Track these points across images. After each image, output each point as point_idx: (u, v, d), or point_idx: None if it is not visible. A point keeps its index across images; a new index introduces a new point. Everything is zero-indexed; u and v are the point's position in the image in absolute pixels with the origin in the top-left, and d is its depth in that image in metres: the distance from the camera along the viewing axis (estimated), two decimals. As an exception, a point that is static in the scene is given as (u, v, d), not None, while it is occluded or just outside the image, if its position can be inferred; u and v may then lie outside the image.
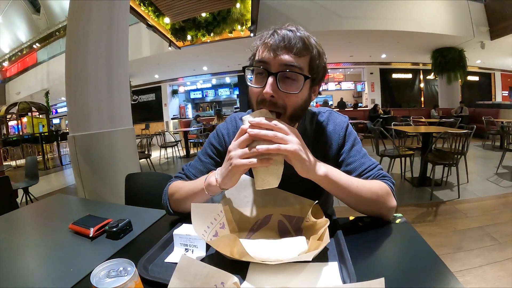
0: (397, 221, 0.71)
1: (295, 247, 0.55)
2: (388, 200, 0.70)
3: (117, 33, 2.50)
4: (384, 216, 0.72)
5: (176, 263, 0.57)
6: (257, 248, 0.56)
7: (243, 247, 0.50)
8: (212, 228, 0.59)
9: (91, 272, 0.61)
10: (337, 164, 0.82)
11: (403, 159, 3.78)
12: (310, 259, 0.49)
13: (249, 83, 0.71)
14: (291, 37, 0.64)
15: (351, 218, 0.75)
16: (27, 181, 3.39)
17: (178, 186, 0.81)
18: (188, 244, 0.61)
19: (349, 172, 0.77)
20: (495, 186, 3.41)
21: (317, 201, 0.69)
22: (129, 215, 0.87)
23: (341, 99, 12.27)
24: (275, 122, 0.60)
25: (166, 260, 0.61)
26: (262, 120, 0.59)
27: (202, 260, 0.60)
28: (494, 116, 6.91)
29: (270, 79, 0.64)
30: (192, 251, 0.61)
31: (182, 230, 0.63)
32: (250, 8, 5.83)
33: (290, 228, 0.69)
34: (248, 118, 0.61)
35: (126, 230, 0.79)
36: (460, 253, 1.97)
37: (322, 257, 0.55)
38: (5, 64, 14.06)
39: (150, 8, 5.42)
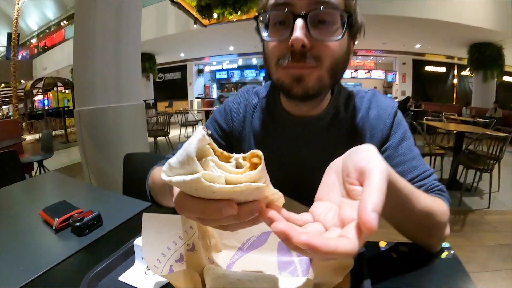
0: (444, 254, 0.51)
1: None
2: (446, 228, 0.50)
3: (128, 4, 2.35)
4: (431, 248, 0.51)
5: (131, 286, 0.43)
6: (238, 285, 0.38)
7: None
8: (176, 250, 0.40)
9: (40, 275, 0.51)
10: None
11: (433, 158, 3.52)
12: None
13: (265, 38, 0.51)
14: None
15: (382, 244, 0.54)
16: (42, 155, 3.45)
17: (154, 178, 0.62)
18: (151, 259, 0.45)
19: None
20: (528, 199, 3.11)
21: None
22: (108, 204, 0.78)
23: (408, 97, 11.79)
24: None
25: (120, 278, 0.46)
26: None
27: (166, 285, 0.44)
28: (530, 122, 6.40)
29: (299, 22, 0.45)
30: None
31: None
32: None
33: (295, 256, 0.48)
34: None
35: (93, 225, 0.65)
36: (486, 273, 1.80)
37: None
38: (33, 41, 14.50)
39: (174, -16, 5.25)
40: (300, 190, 0.49)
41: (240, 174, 0.25)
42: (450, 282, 0.45)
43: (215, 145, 0.26)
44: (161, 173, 0.23)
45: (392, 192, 0.35)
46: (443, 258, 0.50)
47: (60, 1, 13.22)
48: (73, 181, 1.15)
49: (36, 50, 14.05)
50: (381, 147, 0.58)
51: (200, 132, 0.23)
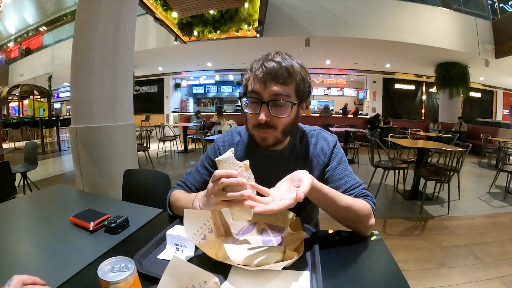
0: (373, 238, 0.77)
1: (273, 255, 0.61)
2: (369, 219, 0.76)
3: (125, 28, 2.54)
4: (361, 233, 0.78)
5: (167, 260, 0.64)
6: (239, 253, 0.63)
7: (226, 252, 0.58)
8: (202, 232, 0.66)
9: (90, 263, 0.68)
10: (323, 182, 0.87)
11: (397, 171, 3.82)
12: (280, 269, 0.56)
13: (245, 110, 0.82)
14: (277, 69, 0.74)
15: (330, 231, 0.81)
16: (26, 166, 3.44)
17: (176, 197, 0.91)
18: (179, 244, 0.67)
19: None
20: (486, 206, 3.45)
21: (295, 215, 0.78)
22: (126, 211, 0.93)
23: (346, 105, 12.35)
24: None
25: (158, 257, 0.67)
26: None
27: (191, 259, 0.67)
28: (493, 135, 6.93)
29: (264, 108, 0.76)
30: (182, 250, 0.67)
31: (174, 231, 0.69)
32: (258, 8, 5.86)
33: (272, 236, 0.76)
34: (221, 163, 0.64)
35: (124, 226, 0.85)
36: (443, 270, 2.01)
37: (297, 266, 0.61)
38: (10, 44, 14.03)
39: (158, 2, 5.44)
40: None
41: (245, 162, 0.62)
42: (376, 255, 0.72)
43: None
44: (217, 159, 0.62)
45: (319, 194, 0.69)
46: (372, 240, 0.76)
47: (40, 1, 12.96)
48: (84, 193, 1.30)
49: (12, 54, 13.55)
50: (324, 169, 0.88)
51: (230, 150, 0.62)
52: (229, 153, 0.62)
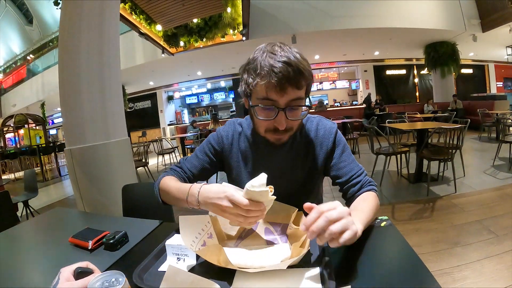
0: (383, 224, 0.73)
1: (278, 254, 0.58)
2: (378, 206, 0.78)
3: (108, 43, 2.53)
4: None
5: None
6: (241, 256, 0.60)
7: (226, 257, 0.54)
8: (200, 238, 0.63)
9: None
10: (327, 167, 0.89)
11: (398, 156, 3.78)
12: (285, 267, 0.52)
13: (260, 118, 0.77)
14: (290, 72, 0.68)
15: None
16: (26, 194, 3.41)
17: (167, 185, 0.83)
18: (179, 253, 0.64)
19: (339, 177, 0.85)
20: (492, 179, 3.42)
21: (297, 209, 0.75)
22: (125, 226, 0.90)
23: (369, 94, 11.02)
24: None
25: (159, 269, 0.64)
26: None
27: (193, 267, 0.63)
28: (489, 108, 6.93)
29: (281, 115, 0.74)
30: (184, 259, 0.64)
31: (174, 241, 0.66)
32: (241, 12, 5.86)
33: (276, 234, 0.73)
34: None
35: (123, 241, 0.82)
36: (458, 248, 1.97)
37: (305, 263, 0.57)
38: (0, 76, 14.07)
39: (141, 16, 5.44)
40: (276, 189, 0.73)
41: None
42: (389, 240, 0.68)
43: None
44: (246, 186, 0.56)
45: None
46: (383, 226, 0.72)
47: (25, 29, 13.00)
48: (83, 213, 1.27)
49: (4, 85, 13.56)
50: (327, 154, 0.87)
51: (264, 176, 0.57)
52: (265, 185, 0.56)
